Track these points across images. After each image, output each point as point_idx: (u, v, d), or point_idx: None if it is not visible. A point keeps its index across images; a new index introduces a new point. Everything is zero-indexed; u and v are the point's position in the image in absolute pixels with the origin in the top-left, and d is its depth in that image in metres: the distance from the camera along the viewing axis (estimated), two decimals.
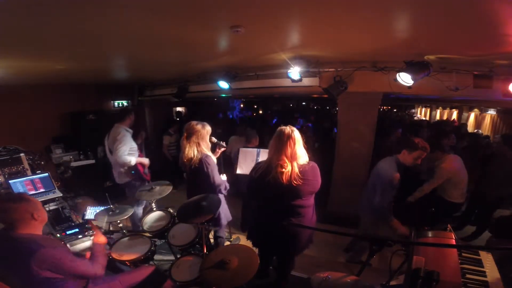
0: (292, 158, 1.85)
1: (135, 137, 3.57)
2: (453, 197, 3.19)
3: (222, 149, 2.80)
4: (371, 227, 2.83)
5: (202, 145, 2.44)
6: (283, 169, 1.82)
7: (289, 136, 1.86)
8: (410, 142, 2.52)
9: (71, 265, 1.53)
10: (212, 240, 2.95)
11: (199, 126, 2.44)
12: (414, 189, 3.59)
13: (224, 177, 2.74)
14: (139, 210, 3.57)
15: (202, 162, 2.38)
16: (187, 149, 2.40)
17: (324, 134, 6.51)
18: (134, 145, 3.40)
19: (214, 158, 2.56)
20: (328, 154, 4.32)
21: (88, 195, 4.50)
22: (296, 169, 1.84)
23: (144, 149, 3.95)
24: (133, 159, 3.28)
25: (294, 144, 1.86)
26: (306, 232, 2.11)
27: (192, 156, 2.38)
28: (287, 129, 1.90)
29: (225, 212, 2.69)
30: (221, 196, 2.62)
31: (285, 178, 1.82)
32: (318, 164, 2.00)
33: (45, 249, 1.45)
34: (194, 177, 2.48)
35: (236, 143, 4.41)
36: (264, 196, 2.04)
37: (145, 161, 3.53)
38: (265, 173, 1.90)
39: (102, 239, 1.93)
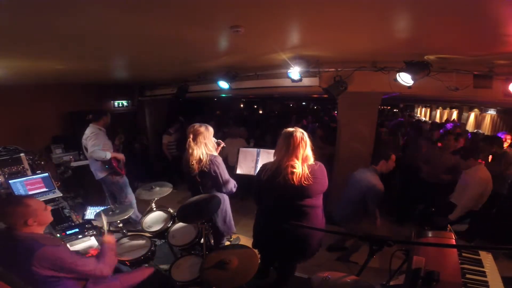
0: (304, 159, 1.87)
1: (113, 138, 3.83)
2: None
3: (222, 145, 2.80)
4: (357, 230, 2.91)
5: (209, 145, 2.43)
6: (294, 169, 1.83)
7: (301, 138, 1.88)
8: (386, 153, 2.90)
9: (73, 264, 1.53)
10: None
11: (202, 128, 2.42)
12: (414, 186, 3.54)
13: None
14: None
15: (212, 163, 2.37)
16: (195, 151, 2.36)
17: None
18: (108, 142, 3.62)
19: (220, 158, 2.55)
20: None
21: (88, 195, 4.52)
22: (306, 170, 1.86)
23: (121, 150, 4.07)
24: (108, 154, 3.47)
25: (306, 145, 1.88)
26: (317, 235, 2.09)
27: (201, 157, 2.35)
28: (298, 132, 1.91)
29: (230, 220, 2.68)
30: (228, 203, 2.63)
31: (296, 179, 1.83)
32: None
33: (46, 248, 1.45)
34: (203, 179, 2.45)
35: (232, 145, 4.36)
36: (273, 198, 2.02)
37: (120, 156, 3.70)
38: (274, 175, 1.89)
39: (110, 238, 1.91)
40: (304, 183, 1.83)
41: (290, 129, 1.93)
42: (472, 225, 3.09)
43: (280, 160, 1.90)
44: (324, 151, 4.51)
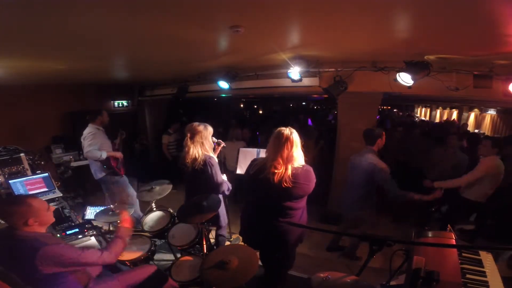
0: (288, 160, 1.83)
1: (112, 138, 3.79)
2: (474, 196, 2.98)
3: (222, 145, 2.80)
4: (356, 224, 2.93)
5: (206, 145, 2.44)
6: (276, 170, 1.81)
7: (287, 138, 1.84)
8: (377, 132, 2.84)
9: (77, 258, 1.52)
10: (212, 240, 2.95)
11: (201, 127, 2.43)
12: (415, 182, 3.55)
13: (224, 177, 2.74)
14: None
15: (206, 163, 2.37)
16: (191, 149, 2.38)
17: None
18: (107, 142, 3.59)
19: (216, 159, 2.55)
20: None
21: (88, 195, 4.52)
22: (289, 172, 1.82)
23: (121, 149, 4.01)
24: (103, 153, 3.43)
25: (292, 146, 1.84)
26: (295, 232, 2.06)
27: (197, 156, 2.36)
28: (286, 130, 1.88)
29: (223, 213, 2.69)
30: (221, 198, 2.62)
31: (276, 179, 1.81)
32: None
33: (48, 247, 1.45)
34: (196, 178, 2.45)
35: (231, 149, 4.27)
36: (255, 194, 2.04)
37: (117, 154, 3.66)
38: (260, 171, 1.89)
39: (127, 223, 1.86)
40: (284, 185, 1.80)
41: (281, 128, 1.91)
42: (478, 224, 3.08)
43: (267, 157, 1.90)
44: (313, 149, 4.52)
